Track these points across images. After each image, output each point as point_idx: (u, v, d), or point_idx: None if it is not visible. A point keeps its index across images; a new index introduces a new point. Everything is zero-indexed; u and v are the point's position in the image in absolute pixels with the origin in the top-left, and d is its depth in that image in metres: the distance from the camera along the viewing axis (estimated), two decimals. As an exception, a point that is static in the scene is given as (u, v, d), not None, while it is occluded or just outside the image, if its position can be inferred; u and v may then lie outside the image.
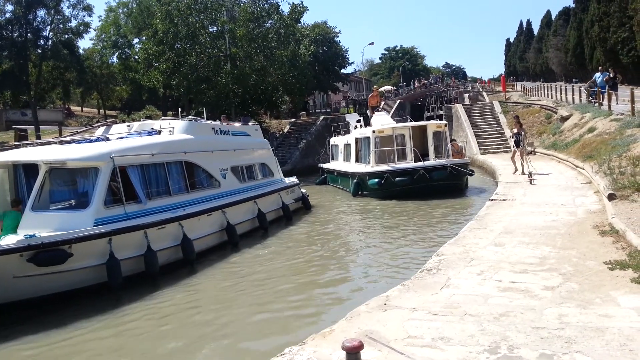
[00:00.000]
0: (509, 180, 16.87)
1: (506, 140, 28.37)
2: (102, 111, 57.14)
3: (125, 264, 9.54)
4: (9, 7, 42.62)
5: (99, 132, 13.66)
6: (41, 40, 44.86)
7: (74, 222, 9.26)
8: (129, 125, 13.99)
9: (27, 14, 42.33)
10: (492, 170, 22.70)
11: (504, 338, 4.72)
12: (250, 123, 18.24)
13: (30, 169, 10.43)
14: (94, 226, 9.35)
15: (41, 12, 43.87)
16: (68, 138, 12.76)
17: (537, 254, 7.65)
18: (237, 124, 17.10)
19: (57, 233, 8.80)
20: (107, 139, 11.51)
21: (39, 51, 45.08)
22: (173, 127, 13.11)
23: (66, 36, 46.09)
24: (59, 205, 10.07)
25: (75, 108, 61.60)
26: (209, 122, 15.10)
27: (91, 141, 11.79)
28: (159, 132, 12.86)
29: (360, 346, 4.30)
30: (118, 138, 12.06)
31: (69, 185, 10.33)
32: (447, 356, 4.43)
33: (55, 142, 12.13)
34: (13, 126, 40.22)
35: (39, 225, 9.03)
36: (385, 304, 5.82)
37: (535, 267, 6.97)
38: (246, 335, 7.35)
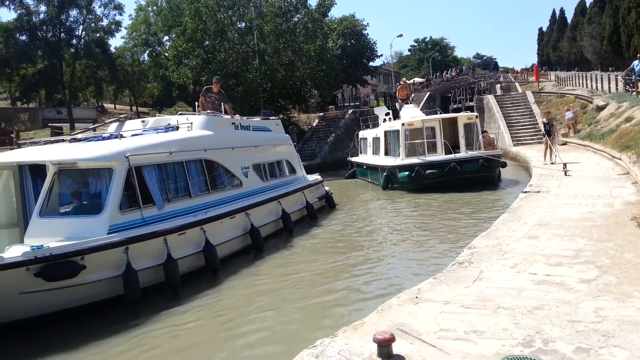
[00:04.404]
0: (543, 172, 16.53)
1: (540, 131, 27.83)
2: (134, 108, 58.16)
3: (143, 275, 8.65)
4: (42, 8, 43.75)
5: (112, 128, 12.77)
6: (74, 40, 45.98)
7: (86, 229, 8.35)
8: (143, 121, 13.07)
9: (60, 14, 43.39)
10: (525, 161, 22.29)
11: (538, 331, 4.63)
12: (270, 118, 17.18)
13: (37, 171, 9.46)
14: (108, 234, 8.43)
15: (73, 12, 45.06)
16: (79, 136, 11.77)
17: (572, 247, 7.47)
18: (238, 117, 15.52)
19: (67, 243, 7.89)
20: (121, 136, 10.49)
21: (72, 50, 46.20)
22: (191, 123, 12.14)
23: (98, 35, 47.13)
24: (69, 211, 9.13)
25: (108, 105, 62.79)
26: (228, 116, 14.23)
27: (103, 139, 10.80)
28: (177, 128, 11.93)
29: (392, 339, 4.29)
30: (132, 135, 11.14)
31: (80, 188, 9.40)
32: (480, 349, 4.36)
33: (65, 140, 11.20)
34: (49, 124, 41.29)
35: (48, 233, 8.17)
36: (416, 297, 5.77)
37: (570, 260, 6.81)
38: (276, 330, 7.35)
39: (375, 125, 25.93)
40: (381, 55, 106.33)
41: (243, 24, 37.45)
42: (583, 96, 30.71)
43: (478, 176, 18.63)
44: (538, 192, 12.79)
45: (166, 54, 48.51)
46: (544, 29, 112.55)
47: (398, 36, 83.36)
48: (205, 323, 7.85)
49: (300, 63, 35.85)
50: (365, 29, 52.73)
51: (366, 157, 25.72)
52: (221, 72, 33.86)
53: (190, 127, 12.03)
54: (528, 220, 9.54)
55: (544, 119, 20.74)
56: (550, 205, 10.88)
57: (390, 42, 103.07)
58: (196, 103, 14.41)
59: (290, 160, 16.54)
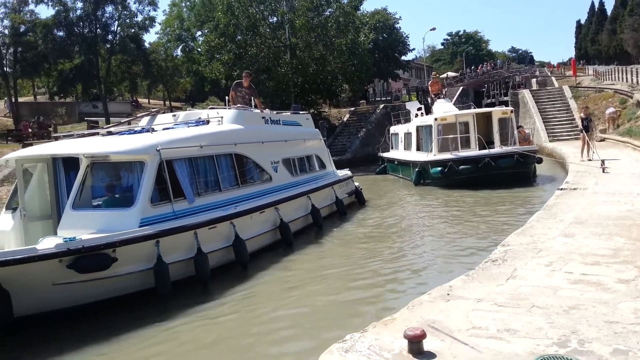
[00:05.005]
0: (580, 168, 16.13)
1: (577, 126, 27.19)
2: (167, 103, 59.03)
3: (174, 268, 8.66)
4: (79, 5, 44.78)
5: (144, 122, 12.87)
6: (109, 36, 46.85)
7: (118, 222, 8.37)
8: (174, 115, 13.21)
9: (96, 11, 44.31)
10: (561, 158, 21.80)
11: (574, 331, 4.51)
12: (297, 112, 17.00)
13: (70, 163, 9.56)
14: (139, 227, 8.44)
15: (109, 8, 45.87)
16: (112, 129, 11.89)
17: (610, 246, 7.26)
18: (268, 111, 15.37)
19: (99, 235, 7.93)
20: (153, 129, 10.52)
21: (108, 46, 47.11)
22: (222, 117, 12.18)
23: (132, 31, 47.88)
24: (101, 203, 9.18)
25: (142, 100, 63.91)
26: (258, 110, 14.19)
27: (135, 132, 10.87)
28: (207, 122, 11.97)
29: (423, 335, 4.24)
30: (164, 129, 11.18)
31: (113, 181, 9.47)
32: (513, 348, 4.27)
33: (98, 134, 11.30)
34: (85, 118, 42.26)
35: (80, 226, 8.22)
36: (448, 294, 5.69)
37: (608, 259, 6.61)
38: (306, 325, 7.35)
39: (407, 120, 25.72)
40: (413, 49, 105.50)
41: (275, 19, 37.57)
42: (623, 91, 29.81)
43: (513, 172, 18.28)
44: (575, 189, 12.49)
45: (199, 49, 49.06)
46: (582, 22, 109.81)
47: (431, 30, 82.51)
48: (236, 317, 7.85)
49: (331, 57, 35.79)
50: (398, 23, 52.34)
51: (397, 153, 25.55)
52: (253, 66, 34.06)
53: (220, 121, 12.06)
54: (564, 218, 9.32)
55: (582, 114, 20.27)
56: (587, 203, 10.60)
57: (422, 36, 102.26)
58: (227, 97, 14.51)
59: (320, 155, 16.43)
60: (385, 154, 27.50)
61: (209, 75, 39.59)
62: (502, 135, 19.71)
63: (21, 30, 42.96)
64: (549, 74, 53.24)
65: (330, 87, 39.24)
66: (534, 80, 43.77)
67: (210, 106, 15.40)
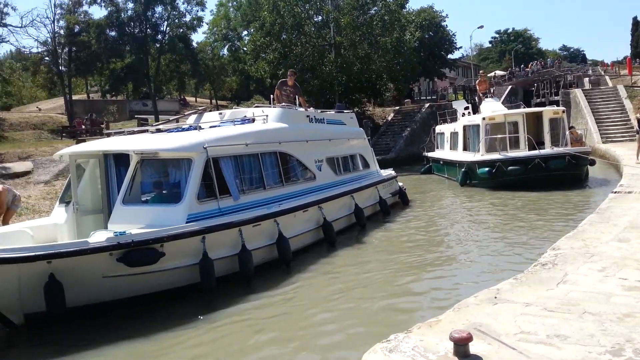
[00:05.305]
0: (635, 171, 15.49)
1: (632, 128, 26.14)
2: (214, 101, 60.05)
3: (219, 264, 8.73)
4: (130, 5, 46.26)
5: (191, 120, 13.10)
6: (159, 35, 48.23)
7: (166, 218, 8.57)
8: (221, 113, 13.33)
9: (146, 11, 45.73)
10: (615, 160, 21.00)
11: (628, 340, 4.32)
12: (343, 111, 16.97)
13: (121, 159, 9.81)
14: (186, 222, 8.59)
15: (159, 9, 47.27)
16: (161, 127, 12.15)
17: (669, 252, 6.95)
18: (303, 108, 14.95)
19: (148, 230, 8.12)
20: (200, 127, 10.68)
21: (157, 45, 48.44)
22: (267, 115, 12.24)
23: (181, 31, 49.08)
24: (150, 199, 9.42)
25: (190, 98, 65.24)
26: (302, 109, 14.04)
27: (183, 130, 11.07)
28: (253, 120, 12.03)
29: (469, 338, 4.15)
30: (211, 127, 11.32)
31: (161, 178, 9.67)
32: (564, 355, 4.13)
33: (147, 131, 11.57)
34: (135, 115, 43.53)
35: (130, 220, 8.45)
36: (495, 297, 5.56)
37: (666, 266, 6.33)
38: (349, 325, 7.28)
39: (453, 119, 25.33)
40: (460, 47, 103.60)
41: (320, 18, 37.66)
42: (683, 90, 28.53)
43: (564, 174, 17.72)
44: (629, 192, 12.01)
45: (245, 49, 49.71)
46: (639, 18, 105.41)
47: (479, 27, 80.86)
48: (280, 319, 7.77)
49: (376, 56, 35.60)
50: (444, 21, 51.62)
51: (443, 152, 25.20)
52: (297, 65, 34.21)
53: (265, 119, 12.13)
54: (618, 222, 8.96)
55: (638, 115, 19.54)
56: (643, 207, 10.17)
57: (470, 34, 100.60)
58: (271, 96, 14.60)
59: (363, 154, 16.31)
60: (430, 154, 27.17)
61: (255, 74, 40.03)
62: (553, 136, 19.14)
63: (75, 30, 44.65)
64: (603, 73, 51.38)
65: (374, 86, 39.02)
66: (586, 80, 42.29)
67: (256, 105, 15.56)
